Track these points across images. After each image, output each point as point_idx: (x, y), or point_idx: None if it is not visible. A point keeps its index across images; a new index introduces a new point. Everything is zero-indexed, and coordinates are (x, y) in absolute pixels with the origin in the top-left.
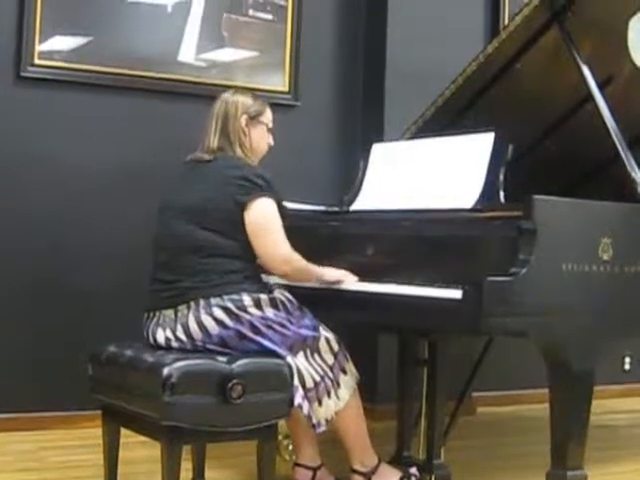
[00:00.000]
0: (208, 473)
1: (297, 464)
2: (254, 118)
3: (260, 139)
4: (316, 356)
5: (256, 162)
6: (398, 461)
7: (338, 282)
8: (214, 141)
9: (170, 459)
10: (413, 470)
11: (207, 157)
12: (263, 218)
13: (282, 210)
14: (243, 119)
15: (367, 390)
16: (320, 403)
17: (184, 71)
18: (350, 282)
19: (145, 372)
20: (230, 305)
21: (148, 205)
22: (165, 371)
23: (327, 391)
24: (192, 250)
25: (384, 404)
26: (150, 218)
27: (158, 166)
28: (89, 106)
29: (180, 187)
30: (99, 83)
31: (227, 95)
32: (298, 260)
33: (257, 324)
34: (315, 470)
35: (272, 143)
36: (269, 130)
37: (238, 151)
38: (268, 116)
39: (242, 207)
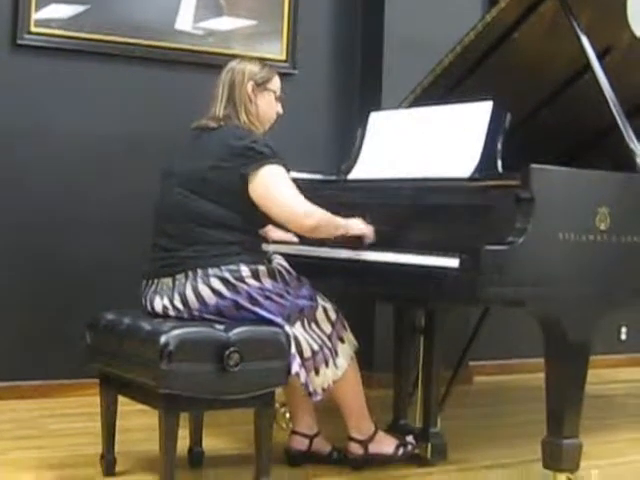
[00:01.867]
0: (205, 441)
1: (294, 432)
2: (261, 85)
3: (267, 107)
4: (313, 325)
5: (262, 130)
6: (395, 429)
7: (363, 236)
8: (220, 109)
9: (167, 427)
10: (409, 438)
11: (213, 125)
12: (269, 181)
13: (289, 171)
14: (249, 86)
15: (364, 358)
16: (317, 372)
17: (182, 39)
18: (371, 237)
19: (143, 340)
20: (228, 275)
21: (146, 173)
22: (162, 339)
23: (325, 360)
24: (192, 219)
25: (381, 372)
26: (148, 186)
27: (156, 134)
28: (86, 74)
29: (183, 155)
30: (96, 51)
31: (234, 63)
32: (321, 211)
33: (255, 295)
34: (312, 438)
35: (281, 111)
36: (277, 98)
37: (244, 119)
38: (276, 83)
39: (246, 179)
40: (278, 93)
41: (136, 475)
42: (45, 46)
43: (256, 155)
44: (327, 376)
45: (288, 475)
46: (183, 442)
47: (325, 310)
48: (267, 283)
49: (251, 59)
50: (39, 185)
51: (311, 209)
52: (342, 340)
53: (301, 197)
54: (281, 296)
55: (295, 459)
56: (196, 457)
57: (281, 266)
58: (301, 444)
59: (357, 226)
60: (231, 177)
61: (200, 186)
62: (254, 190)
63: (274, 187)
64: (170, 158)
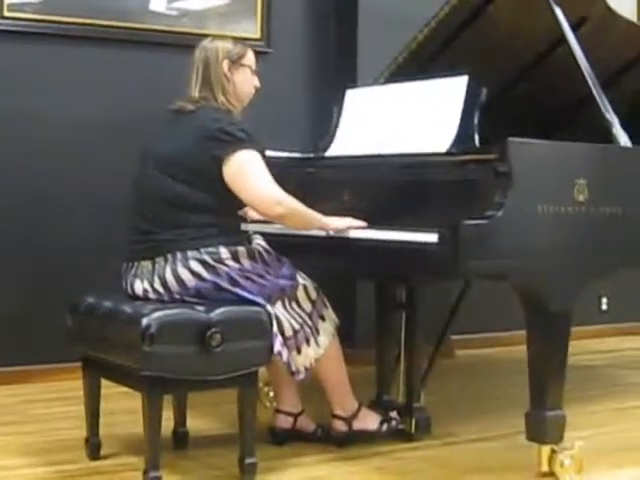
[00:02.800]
0: (190, 422)
1: (278, 410)
2: (236, 62)
3: (245, 83)
4: (294, 304)
5: (240, 109)
6: (378, 405)
7: (346, 230)
8: (196, 90)
9: (151, 409)
10: (393, 414)
11: (190, 107)
12: (243, 165)
13: (265, 157)
14: (225, 64)
15: (346, 335)
16: (299, 351)
17: (156, 20)
18: (357, 227)
19: (124, 323)
20: (207, 257)
21: (125, 155)
22: (144, 321)
23: (306, 339)
24: (170, 203)
25: (363, 349)
26: (128, 168)
27: (133, 115)
28: (61, 58)
29: (161, 137)
30: (70, 34)
31: (206, 42)
32: (292, 201)
33: (234, 276)
34: (296, 416)
35: (259, 85)
36: (253, 72)
37: (221, 99)
38: (250, 58)
39: (220, 162)
40: (254, 67)
41: (121, 458)
42: (19, 30)
43: (231, 139)
44: (309, 355)
45: (273, 454)
46: (167, 423)
47: (305, 289)
48: (247, 264)
49: (223, 37)
50: (18, 169)
51: (280, 197)
52: (323, 318)
53: (272, 184)
54: (261, 276)
55: (280, 438)
56: (181, 438)
57: (261, 246)
58: (285, 422)
59: (334, 225)
60: (206, 160)
61: (177, 169)
62: (227, 173)
63: (245, 172)
64: (147, 140)
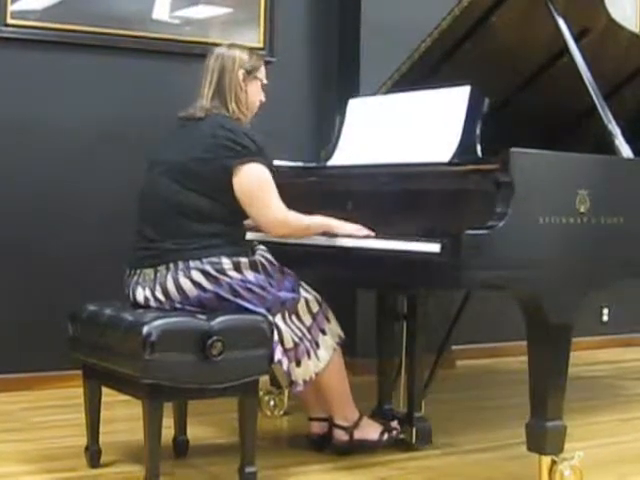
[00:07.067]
0: (190, 430)
1: (311, 419)
2: (251, 73)
3: (255, 95)
4: (294, 318)
5: (248, 120)
6: (379, 415)
7: (352, 235)
8: (208, 97)
9: (151, 417)
10: (394, 423)
11: (200, 114)
12: (253, 184)
13: (273, 172)
14: (240, 73)
15: (346, 345)
16: (298, 364)
17: (159, 29)
18: (365, 235)
19: (125, 331)
20: (209, 268)
21: (127, 164)
22: (145, 329)
23: (307, 352)
24: (175, 211)
25: (364, 358)
26: (131, 177)
27: (134, 124)
28: (63, 65)
29: (169, 144)
30: (73, 42)
31: (223, 49)
32: (296, 220)
33: (236, 287)
34: (329, 420)
35: (264, 99)
36: (263, 86)
37: (233, 107)
38: (263, 71)
39: (230, 171)
40: (264, 81)
41: (121, 466)
42: (22, 38)
43: (242, 149)
44: (309, 368)
45: (273, 463)
46: (168, 431)
47: (307, 302)
48: (249, 275)
49: (239, 46)
50: (22, 177)
51: (288, 220)
52: (324, 332)
53: (280, 205)
54: (263, 288)
55: (318, 443)
56: (181, 446)
57: (264, 258)
58: (321, 428)
59: (342, 228)
60: (216, 169)
61: (184, 177)
62: (237, 184)
63: (257, 190)
64: (155, 147)
